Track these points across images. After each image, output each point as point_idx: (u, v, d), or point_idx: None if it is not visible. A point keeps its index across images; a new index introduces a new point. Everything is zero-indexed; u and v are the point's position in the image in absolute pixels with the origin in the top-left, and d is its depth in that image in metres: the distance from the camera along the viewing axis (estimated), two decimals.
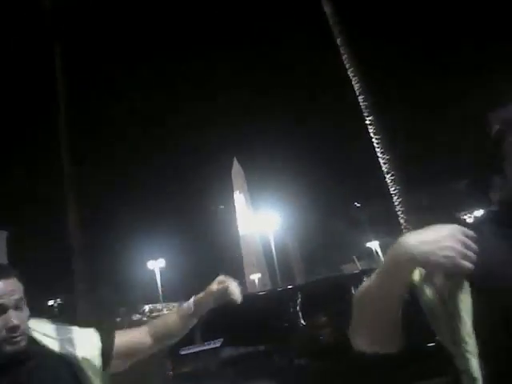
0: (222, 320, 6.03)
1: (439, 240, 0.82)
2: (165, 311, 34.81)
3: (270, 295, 7.06)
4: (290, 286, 7.24)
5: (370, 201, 35.48)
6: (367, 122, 13.97)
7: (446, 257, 0.80)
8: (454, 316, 0.85)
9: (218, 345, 5.47)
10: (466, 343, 0.83)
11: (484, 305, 0.83)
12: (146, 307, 32.63)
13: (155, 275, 37.47)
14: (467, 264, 0.80)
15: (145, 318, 22.42)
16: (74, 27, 17.69)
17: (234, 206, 47.63)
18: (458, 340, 0.84)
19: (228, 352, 5.48)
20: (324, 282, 6.91)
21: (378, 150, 14.02)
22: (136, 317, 21.92)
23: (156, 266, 37.71)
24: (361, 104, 13.98)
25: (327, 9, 14.53)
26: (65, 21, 16.90)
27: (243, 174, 47.03)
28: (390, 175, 13.90)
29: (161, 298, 36.40)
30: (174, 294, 37.35)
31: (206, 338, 5.52)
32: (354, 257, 35.60)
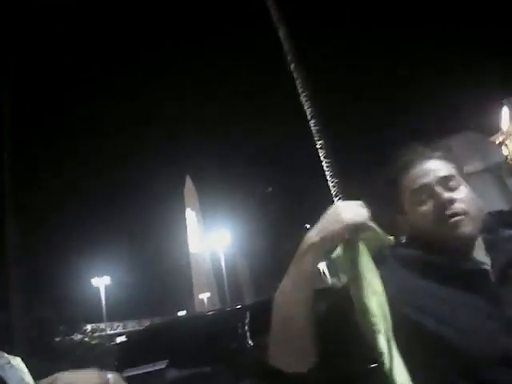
0: (168, 340, 5.91)
1: (331, 214, 0.93)
2: (108, 331, 33.42)
3: (219, 315, 7.00)
4: (238, 306, 7.23)
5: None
6: (318, 146, 14.41)
7: (339, 221, 0.90)
8: (361, 296, 0.91)
9: (163, 366, 5.34)
10: (373, 316, 0.89)
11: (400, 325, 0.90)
12: (89, 326, 31.22)
13: (100, 293, 36.03)
14: (360, 219, 0.90)
15: (86, 339, 21.37)
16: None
17: (186, 224, 47.05)
18: (367, 318, 0.90)
19: (173, 374, 5.36)
20: (273, 302, 6.96)
21: (327, 173, 14.45)
22: (77, 336, 20.87)
23: (101, 283, 36.29)
24: (312, 128, 14.43)
25: (281, 33, 15.00)
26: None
27: (195, 192, 46.70)
28: (338, 198, 14.34)
29: (104, 316, 34.97)
30: (120, 313, 36.08)
31: (151, 359, 5.39)
32: None
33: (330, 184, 14.54)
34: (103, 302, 35.46)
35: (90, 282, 36.32)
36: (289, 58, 14.83)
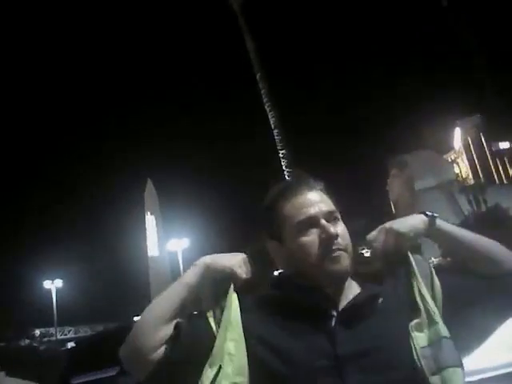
0: (120, 346, 5.78)
1: (228, 255, 1.10)
2: (58, 336, 32.21)
3: None
4: (194, 312, 7.18)
5: None
6: (280, 155, 14.66)
7: (230, 262, 1.06)
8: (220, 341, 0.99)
9: (114, 373, 5.22)
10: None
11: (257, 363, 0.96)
12: (37, 331, 30.01)
13: (51, 296, 34.73)
14: (243, 273, 1.07)
15: (35, 344, 20.50)
16: None
17: (145, 227, 46.23)
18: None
19: (125, 381, 5.24)
20: None
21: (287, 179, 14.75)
22: (25, 342, 19.98)
23: (52, 286, 34.98)
24: (275, 138, 14.68)
25: (249, 45, 15.21)
26: None
27: (156, 196, 45.98)
28: None
29: (55, 321, 33.73)
30: (72, 317, 34.88)
31: (102, 366, 5.25)
32: None
33: None
34: (54, 305, 34.20)
35: (42, 285, 34.98)
36: (255, 68, 15.04)
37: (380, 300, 1.02)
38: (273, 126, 14.41)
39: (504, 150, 48.01)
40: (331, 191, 1.11)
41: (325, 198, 1.08)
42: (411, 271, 1.06)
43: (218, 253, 1.12)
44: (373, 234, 1.13)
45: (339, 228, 1.05)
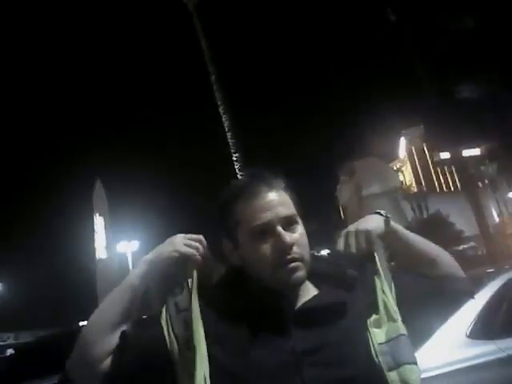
0: (63, 352, 5.58)
1: (166, 241, 1.03)
2: None
3: None
4: (144, 316, 7.09)
5: None
6: (234, 158, 14.78)
7: (173, 246, 1.00)
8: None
9: (55, 381, 5.05)
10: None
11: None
12: None
13: None
14: (191, 252, 1.00)
15: None
16: None
17: (93, 229, 44.79)
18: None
19: None
20: None
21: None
22: None
23: None
24: (229, 140, 14.78)
25: (204, 45, 15.30)
26: None
27: (105, 197, 44.69)
28: None
29: None
30: (13, 322, 33.19)
31: (42, 374, 5.07)
32: None
33: None
34: None
35: None
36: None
37: (338, 301, 1.00)
38: (226, 129, 14.50)
39: (444, 160, 50.58)
40: (293, 189, 1.04)
41: (285, 198, 1.01)
42: (376, 269, 1.05)
43: None
44: (343, 241, 1.09)
45: (297, 234, 0.99)
